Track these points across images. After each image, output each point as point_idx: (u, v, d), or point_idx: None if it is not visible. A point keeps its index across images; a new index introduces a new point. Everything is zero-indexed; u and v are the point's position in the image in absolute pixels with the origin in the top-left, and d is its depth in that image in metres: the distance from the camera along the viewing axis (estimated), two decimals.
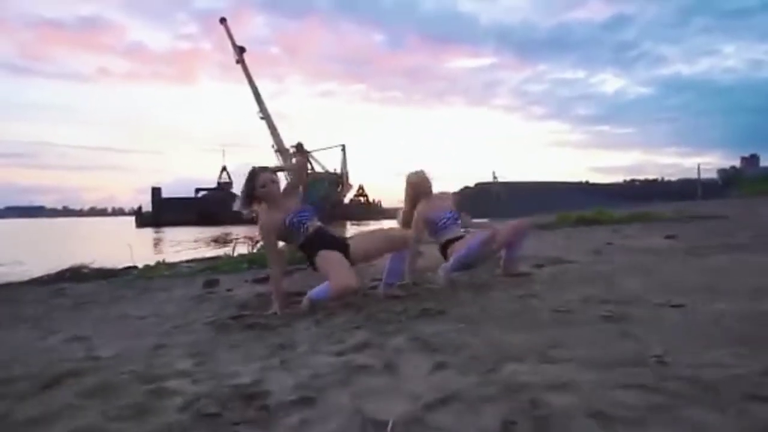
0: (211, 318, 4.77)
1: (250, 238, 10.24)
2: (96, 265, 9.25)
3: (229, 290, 6.34)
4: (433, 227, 5.83)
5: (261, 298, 5.46)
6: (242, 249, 10.05)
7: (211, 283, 6.77)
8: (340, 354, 3.38)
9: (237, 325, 4.39)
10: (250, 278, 7.06)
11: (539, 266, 6.58)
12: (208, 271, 8.29)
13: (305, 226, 4.89)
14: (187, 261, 9.86)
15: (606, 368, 2.74)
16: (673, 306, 4.01)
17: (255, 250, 9.40)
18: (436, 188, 5.98)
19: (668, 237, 9.19)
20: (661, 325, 3.55)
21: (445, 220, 5.81)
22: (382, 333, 3.84)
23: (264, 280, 6.76)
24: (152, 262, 9.19)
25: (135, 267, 9.08)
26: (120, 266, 9.40)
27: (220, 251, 10.92)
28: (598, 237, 10.43)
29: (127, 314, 5.28)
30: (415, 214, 5.75)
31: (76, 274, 8.62)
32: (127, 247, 10.05)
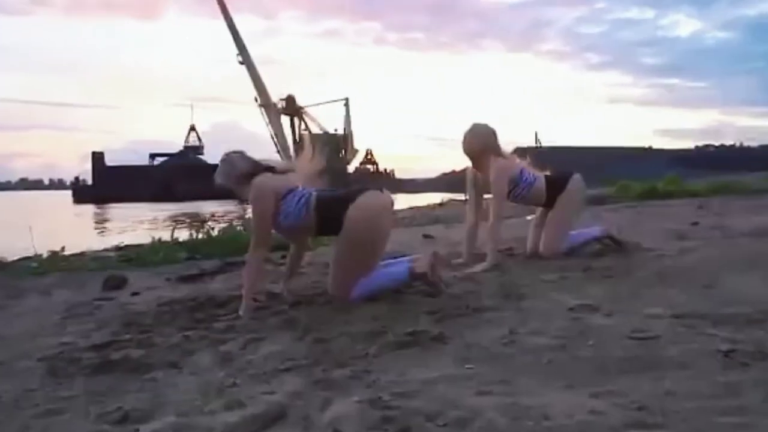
0: (64, 345, 3.59)
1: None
2: None
3: (135, 294, 5.22)
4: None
5: (165, 310, 4.35)
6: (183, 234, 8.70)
7: (113, 283, 5.59)
8: None
9: (86, 364, 3.19)
10: (176, 276, 5.80)
11: (598, 255, 5.56)
12: (126, 263, 7.04)
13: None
14: (104, 250, 8.61)
15: None
16: None
17: (201, 235, 8.11)
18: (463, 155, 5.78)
19: None
20: None
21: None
22: (324, 385, 2.59)
23: (192, 278, 5.69)
24: (58, 249, 7.88)
25: (31, 257, 7.77)
26: (16, 256, 8.11)
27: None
28: (677, 214, 9.28)
29: None
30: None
31: None
32: (33, 229, 8.68)
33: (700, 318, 3.21)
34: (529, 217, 9.67)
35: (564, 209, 5.69)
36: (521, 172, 5.63)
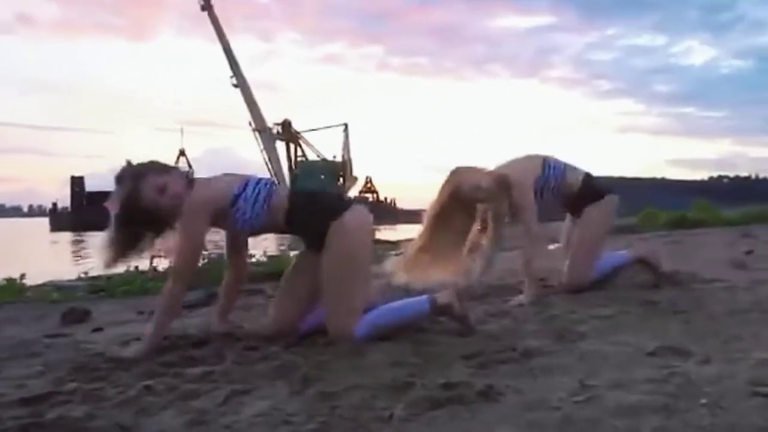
0: None
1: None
2: None
3: (96, 330, 4.59)
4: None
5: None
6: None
7: (73, 317, 5.02)
8: None
9: (8, 426, 2.46)
10: (150, 309, 5.15)
11: (655, 287, 4.87)
12: (95, 294, 6.45)
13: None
14: (76, 279, 7.93)
15: None
16: None
17: None
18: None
19: None
20: None
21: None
22: None
23: None
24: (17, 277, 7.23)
25: None
26: None
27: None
28: (722, 243, 8.74)
29: None
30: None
31: None
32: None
33: None
34: (551, 247, 9.10)
35: (592, 226, 4.95)
36: (544, 161, 4.95)
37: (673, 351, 2.93)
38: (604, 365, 2.78)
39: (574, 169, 5.07)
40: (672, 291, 4.62)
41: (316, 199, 3.85)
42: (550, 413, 2.20)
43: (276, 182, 3.78)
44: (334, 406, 2.42)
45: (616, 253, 5.21)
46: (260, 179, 3.72)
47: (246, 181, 3.65)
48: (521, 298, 4.54)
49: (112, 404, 2.62)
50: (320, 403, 2.49)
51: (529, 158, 5.04)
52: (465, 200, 4.51)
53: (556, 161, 5.02)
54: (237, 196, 3.59)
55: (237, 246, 4.03)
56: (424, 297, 3.75)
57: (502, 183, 4.69)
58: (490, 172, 4.79)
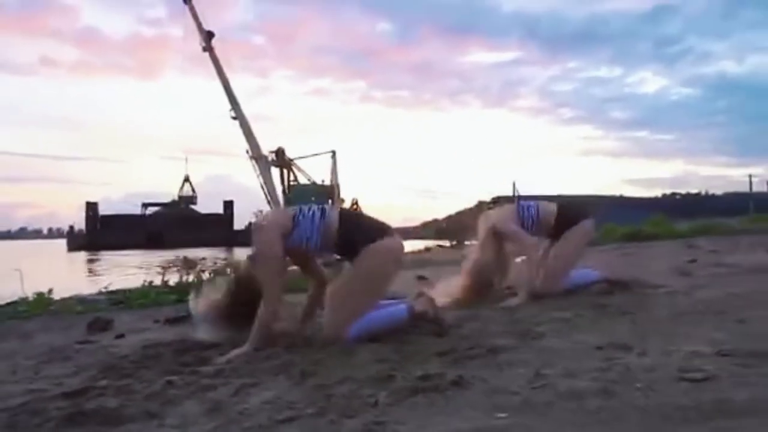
0: (32, 393, 3.01)
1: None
2: None
3: (119, 336, 4.71)
4: None
5: (149, 353, 3.81)
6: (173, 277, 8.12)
7: (98, 326, 5.11)
8: None
9: (53, 415, 2.60)
10: (164, 318, 5.31)
11: (605, 293, 5.07)
12: (114, 306, 6.54)
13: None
14: (97, 293, 8.00)
15: None
16: None
17: (192, 278, 7.56)
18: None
19: None
20: None
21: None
22: None
23: (181, 320, 5.23)
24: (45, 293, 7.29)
25: (17, 302, 7.15)
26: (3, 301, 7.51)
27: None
28: (670, 253, 8.94)
29: None
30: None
31: None
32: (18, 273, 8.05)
33: (752, 356, 2.69)
34: (518, 260, 9.28)
35: (568, 245, 5.26)
36: (517, 205, 5.42)
37: (617, 346, 3.10)
38: (557, 358, 2.95)
39: (547, 204, 5.43)
40: (621, 296, 4.82)
41: (360, 223, 3.98)
42: (510, 397, 2.39)
43: (324, 207, 3.94)
44: (329, 395, 2.60)
45: (591, 271, 5.48)
46: (310, 206, 3.93)
47: (299, 208, 3.91)
48: (515, 300, 4.94)
49: (140, 397, 2.79)
50: (317, 393, 2.66)
51: (504, 207, 5.67)
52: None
53: (528, 203, 5.43)
54: (295, 216, 3.82)
55: (309, 267, 4.20)
56: (403, 305, 3.97)
57: (495, 233, 5.30)
58: (485, 233, 5.34)
